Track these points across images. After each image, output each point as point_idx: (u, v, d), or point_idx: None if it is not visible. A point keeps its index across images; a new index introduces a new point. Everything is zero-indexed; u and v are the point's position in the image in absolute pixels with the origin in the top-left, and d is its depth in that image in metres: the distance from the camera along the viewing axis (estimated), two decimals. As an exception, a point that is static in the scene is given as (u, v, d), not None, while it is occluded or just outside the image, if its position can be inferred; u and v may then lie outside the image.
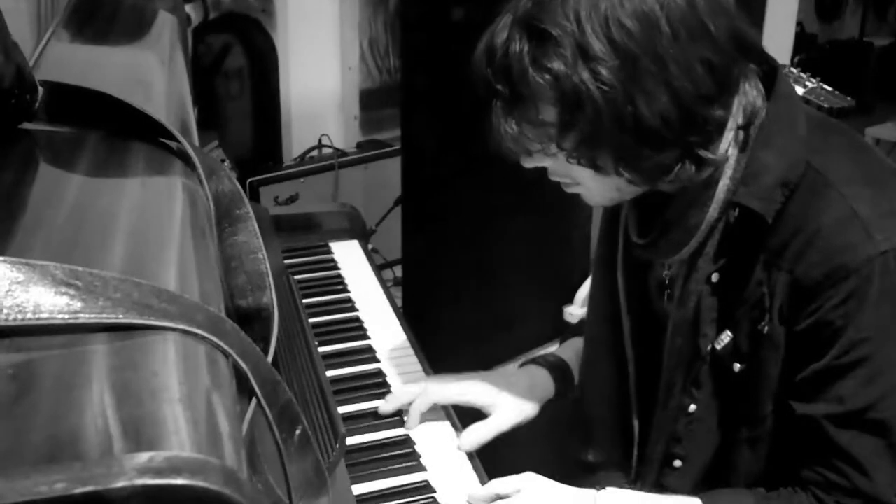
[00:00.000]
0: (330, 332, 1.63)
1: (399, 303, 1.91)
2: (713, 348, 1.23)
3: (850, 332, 1.11)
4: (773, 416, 1.21)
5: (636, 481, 1.40)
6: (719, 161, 1.15)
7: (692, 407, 1.28)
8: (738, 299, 1.20)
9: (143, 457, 0.45)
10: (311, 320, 1.64)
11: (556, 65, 1.05)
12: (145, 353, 0.58)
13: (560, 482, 1.30)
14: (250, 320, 0.96)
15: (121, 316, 0.58)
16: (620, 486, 1.30)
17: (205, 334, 0.62)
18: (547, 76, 1.06)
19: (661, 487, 1.34)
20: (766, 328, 1.17)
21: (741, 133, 1.17)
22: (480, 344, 3.08)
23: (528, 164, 1.19)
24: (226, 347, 0.64)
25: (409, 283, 3.12)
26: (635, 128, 1.07)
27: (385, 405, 1.41)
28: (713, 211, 1.19)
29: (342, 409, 1.38)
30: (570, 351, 1.55)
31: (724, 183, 1.18)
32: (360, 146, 3.63)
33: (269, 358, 0.89)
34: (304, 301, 1.70)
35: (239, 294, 0.97)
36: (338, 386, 1.46)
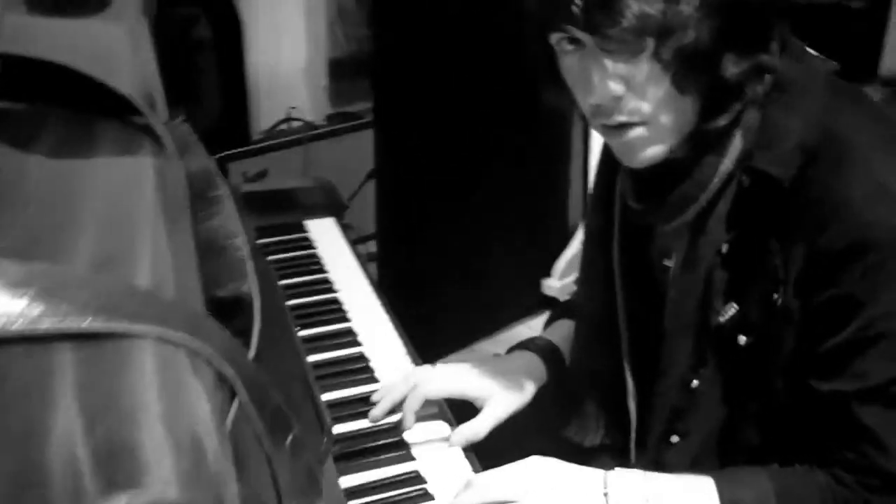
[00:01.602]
0: (308, 315, 1.56)
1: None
2: (717, 321, 1.18)
3: (873, 306, 1.07)
4: (783, 393, 1.16)
5: (634, 462, 1.36)
6: (790, 76, 1.12)
7: (695, 382, 1.23)
8: (749, 270, 1.15)
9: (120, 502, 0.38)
10: (288, 303, 1.57)
11: None
12: (118, 365, 0.51)
13: None
14: (229, 311, 0.89)
15: (88, 321, 0.51)
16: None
17: (185, 340, 0.55)
18: None
19: (658, 465, 1.29)
20: (781, 300, 1.12)
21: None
22: (459, 318, 3.03)
23: (605, 92, 1.09)
24: (209, 353, 0.56)
25: (384, 258, 3.06)
26: (739, 11, 1.05)
27: (375, 410, 1.32)
28: (728, 163, 1.14)
29: (324, 397, 1.32)
30: (558, 334, 1.48)
31: (740, 132, 1.13)
32: (330, 119, 3.55)
33: (252, 353, 0.82)
34: (280, 283, 1.63)
35: (216, 283, 0.90)
36: (319, 371, 1.39)
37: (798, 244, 1.10)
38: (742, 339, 1.17)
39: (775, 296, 1.13)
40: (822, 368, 1.13)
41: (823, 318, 1.11)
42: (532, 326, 3.30)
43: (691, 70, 1.06)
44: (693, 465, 1.24)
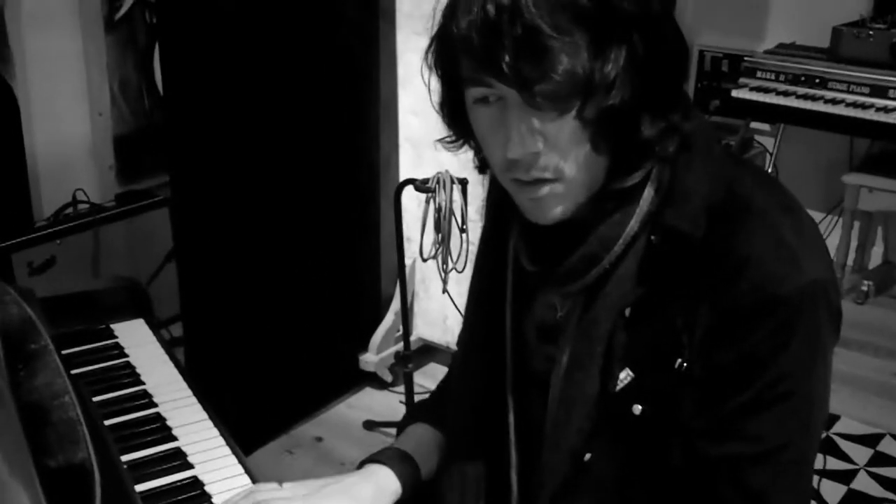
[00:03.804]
0: (130, 437, 1.41)
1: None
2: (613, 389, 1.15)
3: (776, 366, 1.06)
4: (679, 466, 1.13)
5: None
6: (693, 139, 1.12)
7: (587, 455, 1.18)
8: (650, 335, 1.12)
9: None
10: (105, 422, 1.42)
11: None
12: None
13: None
14: (62, 483, 0.77)
15: None
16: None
17: None
18: None
19: None
20: (684, 365, 1.10)
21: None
22: (276, 400, 2.91)
23: (526, 148, 1.05)
24: None
25: (192, 342, 2.90)
26: (661, 69, 1.05)
27: None
28: (634, 224, 1.11)
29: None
30: (412, 441, 1.39)
31: (648, 193, 1.11)
32: (118, 199, 3.38)
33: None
34: (94, 400, 1.48)
35: (45, 451, 0.78)
36: (150, 504, 1.26)
37: (703, 304, 1.08)
38: (637, 409, 1.13)
39: (679, 361, 1.10)
40: (717, 432, 1.10)
41: (726, 377, 1.09)
42: (351, 404, 3.21)
43: (611, 129, 1.05)
44: None
